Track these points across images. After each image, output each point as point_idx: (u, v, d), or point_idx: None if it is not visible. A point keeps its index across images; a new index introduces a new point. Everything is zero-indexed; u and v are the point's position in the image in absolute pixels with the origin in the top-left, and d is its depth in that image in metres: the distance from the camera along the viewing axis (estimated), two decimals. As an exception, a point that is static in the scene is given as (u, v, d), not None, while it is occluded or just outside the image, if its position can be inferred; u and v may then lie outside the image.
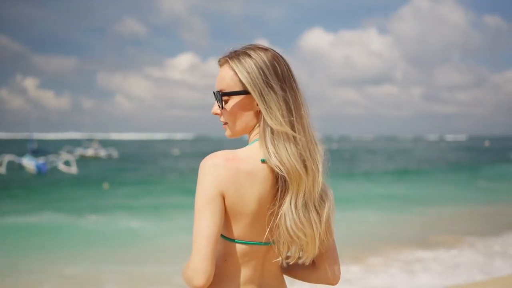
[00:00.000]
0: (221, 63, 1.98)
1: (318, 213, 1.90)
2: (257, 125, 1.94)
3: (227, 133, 1.99)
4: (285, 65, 1.93)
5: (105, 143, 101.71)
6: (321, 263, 2.04)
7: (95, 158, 62.33)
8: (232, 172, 1.81)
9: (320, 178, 1.90)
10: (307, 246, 1.90)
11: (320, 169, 1.91)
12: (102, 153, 66.73)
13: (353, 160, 61.14)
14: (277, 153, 1.84)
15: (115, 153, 68.08)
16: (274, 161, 1.83)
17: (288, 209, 1.84)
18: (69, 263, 11.44)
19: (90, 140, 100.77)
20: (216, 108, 1.99)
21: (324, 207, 1.92)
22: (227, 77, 1.93)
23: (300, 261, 1.98)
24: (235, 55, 1.94)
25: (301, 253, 1.95)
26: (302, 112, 1.92)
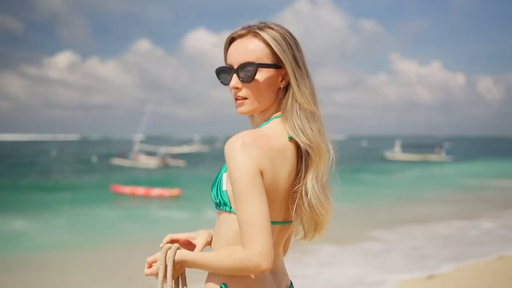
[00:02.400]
0: (242, 34, 1.87)
1: (329, 190, 1.90)
2: (275, 101, 1.88)
3: (245, 108, 1.87)
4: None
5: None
6: (288, 240, 2.03)
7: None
8: (265, 150, 1.74)
9: (332, 157, 1.88)
10: (324, 222, 1.87)
11: (331, 148, 1.88)
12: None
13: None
14: (304, 130, 1.80)
15: None
16: (302, 138, 1.79)
17: (311, 186, 1.80)
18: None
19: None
20: (236, 82, 1.85)
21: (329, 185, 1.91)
22: (258, 49, 1.83)
23: (314, 239, 1.92)
24: (263, 28, 1.85)
25: (314, 230, 1.89)
26: (316, 90, 1.89)
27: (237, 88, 1.86)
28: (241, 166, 1.69)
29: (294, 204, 1.82)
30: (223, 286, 1.78)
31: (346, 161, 60.88)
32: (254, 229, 1.65)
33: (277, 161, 1.76)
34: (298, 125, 1.80)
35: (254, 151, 1.71)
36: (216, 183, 1.85)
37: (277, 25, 1.87)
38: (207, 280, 1.85)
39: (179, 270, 1.82)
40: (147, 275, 1.86)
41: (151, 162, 49.55)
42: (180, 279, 1.89)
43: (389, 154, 65.88)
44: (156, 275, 1.81)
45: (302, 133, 1.80)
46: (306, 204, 1.81)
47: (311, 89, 1.86)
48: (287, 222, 1.88)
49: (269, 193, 1.74)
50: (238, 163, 1.69)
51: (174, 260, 1.78)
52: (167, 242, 1.96)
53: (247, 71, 1.82)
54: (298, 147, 1.83)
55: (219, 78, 1.92)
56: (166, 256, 1.79)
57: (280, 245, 1.92)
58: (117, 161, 52.71)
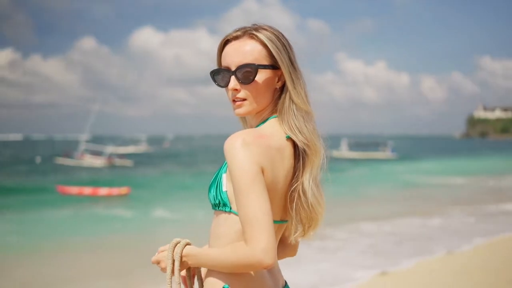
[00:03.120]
0: (238, 35, 1.89)
1: (321, 186, 1.93)
2: (271, 102, 1.90)
3: (244, 110, 1.88)
4: None
5: None
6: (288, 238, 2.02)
7: None
8: (265, 148, 1.76)
9: (324, 155, 1.92)
10: (319, 219, 1.90)
11: (323, 146, 1.92)
12: None
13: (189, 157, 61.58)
14: (301, 129, 1.84)
15: None
16: (300, 138, 1.83)
17: (308, 185, 1.83)
18: None
19: None
20: (235, 84, 1.86)
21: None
22: (255, 50, 1.85)
23: (306, 238, 1.96)
24: (258, 30, 1.88)
25: (309, 228, 1.91)
26: (307, 90, 1.93)
27: (236, 89, 1.87)
28: (242, 164, 1.70)
29: (293, 203, 1.85)
30: (225, 287, 1.78)
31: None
32: (258, 226, 1.66)
33: (276, 159, 1.79)
34: (296, 125, 1.84)
35: (255, 149, 1.73)
36: (215, 183, 1.85)
37: (270, 27, 1.90)
38: (207, 276, 1.85)
39: (183, 266, 1.86)
40: (152, 262, 1.91)
41: (96, 162, 48.87)
42: (196, 278, 1.94)
43: (335, 153, 66.68)
44: (158, 263, 1.89)
45: (300, 132, 1.84)
46: (304, 203, 1.84)
47: (305, 89, 1.90)
48: (283, 221, 1.91)
49: (269, 191, 1.76)
50: (240, 161, 1.70)
51: (181, 257, 1.82)
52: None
53: (246, 72, 1.84)
54: (294, 146, 1.86)
55: (214, 81, 1.93)
56: (173, 252, 1.84)
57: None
58: (61, 161, 51.73)
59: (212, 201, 1.85)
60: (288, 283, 2.06)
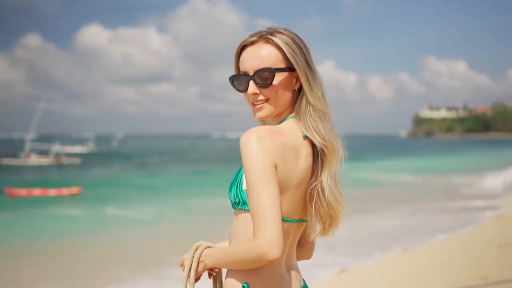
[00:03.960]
0: (254, 40, 1.92)
1: (340, 185, 1.95)
2: (291, 104, 1.94)
3: (264, 113, 1.91)
4: None
5: None
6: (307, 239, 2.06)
7: None
8: (280, 145, 1.78)
9: (342, 154, 1.95)
10: (339, 217, 1.92)
11: (342, 145, 1.96)
12: None
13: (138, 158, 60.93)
14: (318, 129, 1.86)
15: None
16: (317, 137, 1.85)
17: (327, 184, 1.86)
18: None
19: None
20: (255, 88, 1.89)
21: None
22: (272, 54, 1.88)
23: (327, 236, 1.97)
24: (273, 34, 1.91)
25: (329, 226, 1.93)
26: (324, 90, 1.96)
27: (255, 94, 1.90)
28: (255, 158, 1.72)
29: (313, 201, 1.87)
30: (245, 285, 1.81)
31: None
32: (263, 219, 1.67)
33: (290, 158, 1.80)
34: (312, 125, 1.87)
35: (269, 144, 1.75)
36: (235, 182, 1.88)
37: (285, 29, 1.93)
38: (228, 276, 1.88)
39: (203, 267, 1.91)
40: (178, 264, 1.99)
41: (43, 160, 47.94)
42: (216, 282, 1.98)
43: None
44: (182, 266, 1.95)
45: (316, 132, 1.86)
46: (323, 201, 1.86)
47: (322, 89, 1.93)
48: (303, 221, 1.92)
49: (281, 189, 1.77)
50: (253, 155, 1.73)
51: (198, 259, 1.89)
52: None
53: (264, 76, 1.87)
54: (312, 146, 1.89)
55: (234, 86, 1.96)
56: (194, 253, 1.91)
57: (295, 243, 1.95)
58: (7, 161, 50.42)
59: (232, 200, 1.88)
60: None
